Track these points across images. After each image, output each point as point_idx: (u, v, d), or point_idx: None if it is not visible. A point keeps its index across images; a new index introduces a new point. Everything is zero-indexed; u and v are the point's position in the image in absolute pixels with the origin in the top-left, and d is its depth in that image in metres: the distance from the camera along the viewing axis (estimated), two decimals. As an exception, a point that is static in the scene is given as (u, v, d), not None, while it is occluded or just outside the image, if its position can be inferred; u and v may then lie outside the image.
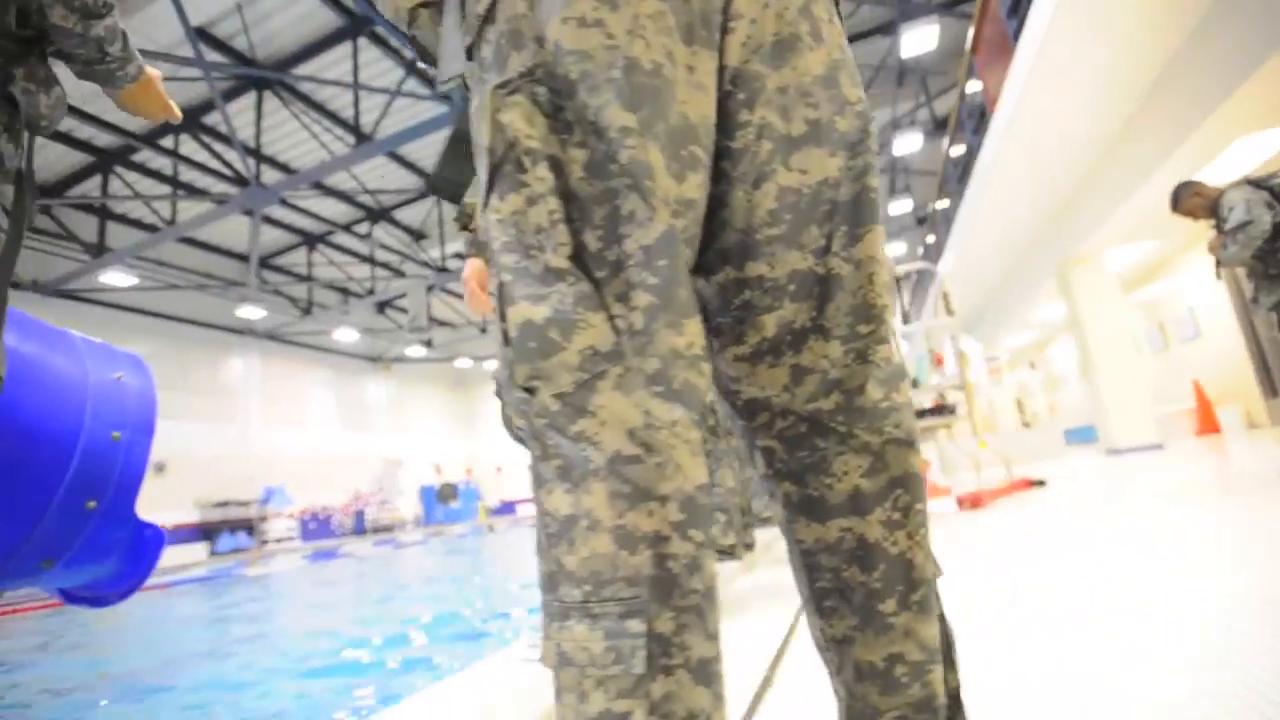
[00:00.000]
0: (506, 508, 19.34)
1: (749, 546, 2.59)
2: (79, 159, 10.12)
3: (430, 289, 17.01)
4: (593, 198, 0.51)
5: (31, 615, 6.05)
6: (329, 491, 15.87)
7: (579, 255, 0.51)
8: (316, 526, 14.71)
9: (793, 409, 0.61)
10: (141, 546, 1.52)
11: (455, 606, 3.95)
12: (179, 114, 1.20)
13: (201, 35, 7.98)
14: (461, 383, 21.94)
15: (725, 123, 0.58)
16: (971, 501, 4.15)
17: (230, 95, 9.28)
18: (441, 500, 17.54)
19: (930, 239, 12.08)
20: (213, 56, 8.31)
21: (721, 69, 0.57)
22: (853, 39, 8.93)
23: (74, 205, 10.73)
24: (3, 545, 1.27)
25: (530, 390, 0.51)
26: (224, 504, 13.40)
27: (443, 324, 18.35)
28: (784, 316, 0.60)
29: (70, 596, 1.62)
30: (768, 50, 0.58)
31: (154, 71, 1.12)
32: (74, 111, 8.64)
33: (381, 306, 17.17)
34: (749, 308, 0.61)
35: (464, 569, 6.74)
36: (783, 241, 0.59)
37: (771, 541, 3.27)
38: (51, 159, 9.91)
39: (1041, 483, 4.93)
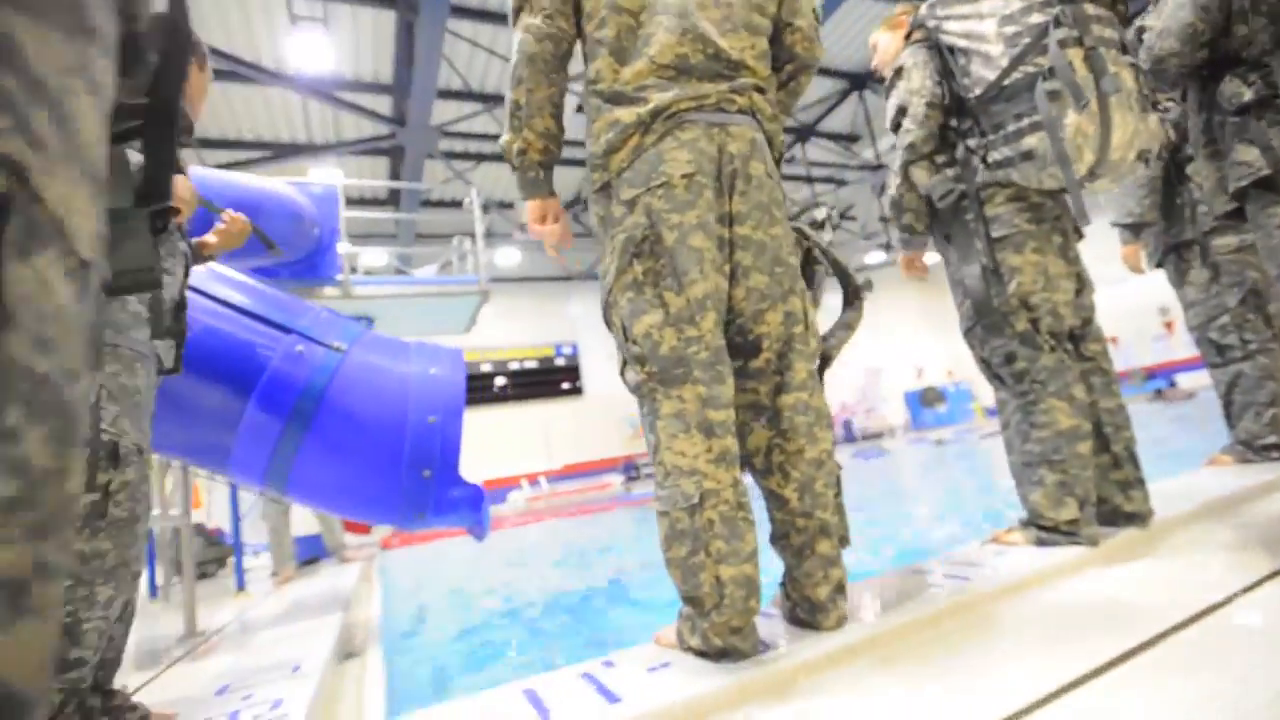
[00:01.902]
0: (1006, 406, 17.37)
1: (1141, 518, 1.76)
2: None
3: (882, 190, 16.31)
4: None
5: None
6: (817, 404, 16.96)
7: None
8: (811, 437, 15.96)
9: None
10: (475, 499, 1.99)
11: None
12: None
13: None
14: (936, 279, 20.38)
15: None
16: None
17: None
18: (925, 404, 16.88)
19: None
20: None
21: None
22: None
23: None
24: (389, 506, 1.85)
25: (640, 362, 1.33)
26: (733, 422, 15.73)
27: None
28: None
29: (473, 534, 2.22)
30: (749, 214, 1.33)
31: None
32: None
33: (840, 216, 17.20)
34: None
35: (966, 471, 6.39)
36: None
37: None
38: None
39: None
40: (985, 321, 1.72)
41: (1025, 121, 1.56)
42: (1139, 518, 1.73)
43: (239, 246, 1.71)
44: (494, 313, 15.07)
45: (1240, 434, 2.46)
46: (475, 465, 13.35)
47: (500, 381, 14.46)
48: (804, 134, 13.28)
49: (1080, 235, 1.81)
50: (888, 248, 17.33)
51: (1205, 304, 2.55)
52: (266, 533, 4.38)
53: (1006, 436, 1.75)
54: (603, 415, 15.03)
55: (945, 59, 1.72)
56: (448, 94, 9.81)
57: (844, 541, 1.30)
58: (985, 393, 18.34)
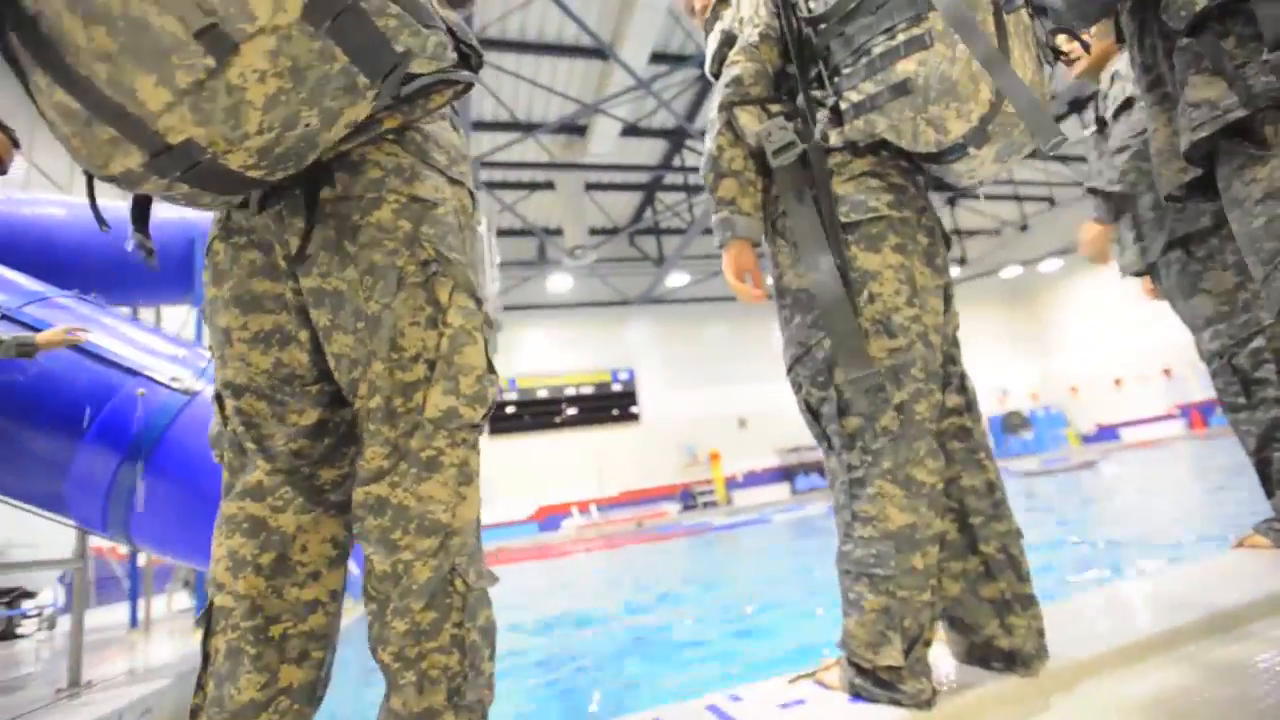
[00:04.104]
0: (1105, 433, 15.74)
1: None
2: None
3: (952, 201, 15.41)
4: None
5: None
6: (888, 430, 16.00)
7: None
8: (881, 465, 15.03)
9: None
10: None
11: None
12: None
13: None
14: (1016, 294, 18.98)
15: None
16: None
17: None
18: (1009, 430, 15.52)
19: None
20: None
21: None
22: None
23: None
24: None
25: None
26: (796, 449, 15.04)
27: (971, 234, 16.26)
28: None
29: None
30: None
31: None
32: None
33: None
34: None
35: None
36: None
37: None
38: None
39: None
40: (844, 348, 1.11)
41: (900, 38, 1.08)
42: (1019, 659, 1.14)
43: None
44: (549, 339, 15.35)
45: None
46: (527, 493, 13.45)
47: (555, 408, 14.46)
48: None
49: (948, 243, 1.27)
50: (962, 261, 16.25)
51: (1231, 321, 1.86)
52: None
53: (838, 524, 1.19)
54: (659, 442, 14.73)
55: None
56: (492, 125, 10.02)
57: None
58: (1080, 417, 16.74)
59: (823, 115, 1.20)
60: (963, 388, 1.26)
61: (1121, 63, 2.00)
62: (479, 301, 0.95)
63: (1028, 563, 1.19)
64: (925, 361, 1.13)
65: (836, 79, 1.17)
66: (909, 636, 1.08)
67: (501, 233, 12.83)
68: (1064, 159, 13.20)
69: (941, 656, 1.26)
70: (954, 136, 1.10)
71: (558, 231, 12.93)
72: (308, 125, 0.73)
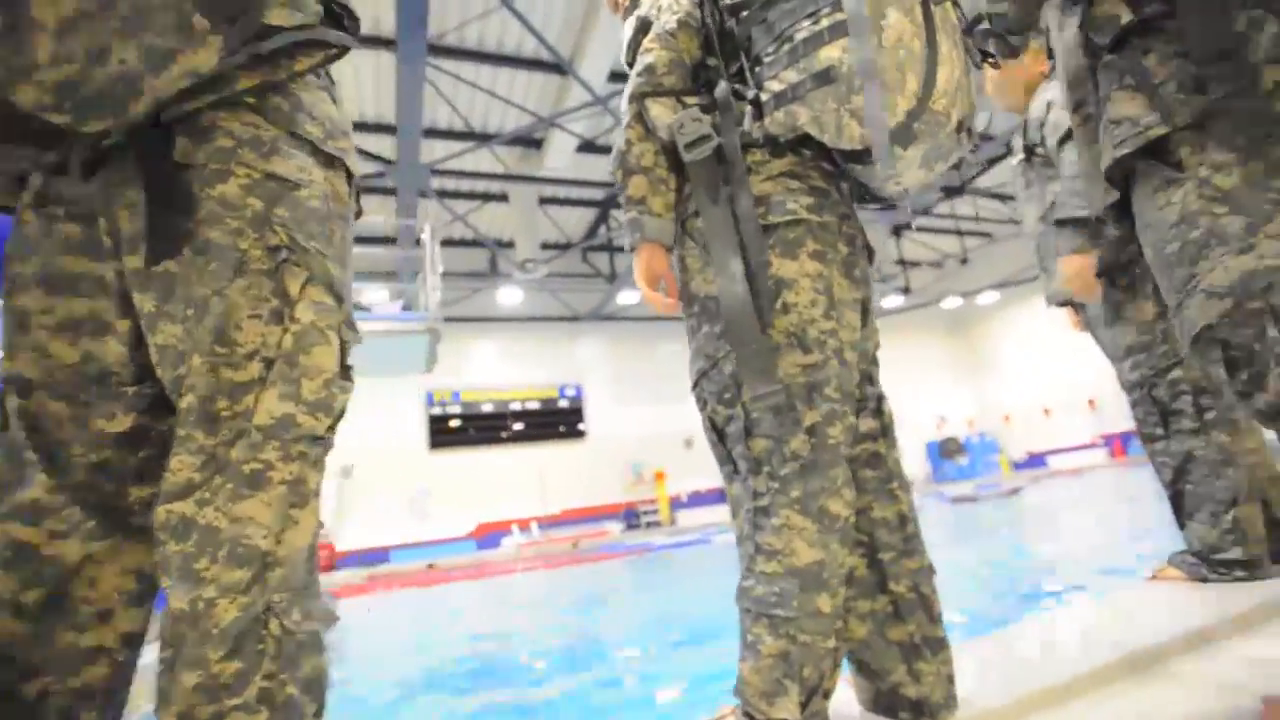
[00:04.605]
0: (1034, 460, 16.39)
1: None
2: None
3: (897, 231, 15.92)
4: None
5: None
6: (832, 453, 16.27)
7: None
8: (824, 487, 15.26)
9: None
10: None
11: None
12: None
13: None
14: (957, 324, 19.71)
15: None
16: None
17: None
18: (945, 456, 16.03)
19: None
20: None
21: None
22: None
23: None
24: None
25: None
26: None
27: (915, 265, 16.82)
28: None
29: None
30: None
31: None
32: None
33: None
34: None
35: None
36: None
37: None
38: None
39: None
40: (749, 363, 1.02)
41: (825, 23, 1.00)
42: (926, 710, 1.06)
43: None
44: (498, 352, 15.10)
45: (1193, 540, 1.79)
46: (467, 508, 13.12)
47: (501, 422, 14.19)
48: (813, 175, 13.00)
49: (871, 256, 1.21)
50: (906, 291, 16.78)
51: (1152, 351, 1.87)
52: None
53: (741, 556, 1.10)
54: (605, 460, 14.60)
55: None
56: (447, 134, 9.86)
57: None
58: (1013, 444, 17.41)
59: (744, 109, 1.11)
60: (879, 410, 1.19)
61: (1054, 90, 2.03)
62: (340, 299, 0.83)
63: (939, 603, 1.13)
64: (841, 380, 1.05)
65: (758, 69, 1.09)
66: (808, 687, 0.98)
67: (453, 243, 12.60)
68: (1003, 197, 13.81)
69: (848, 703, 1.18)
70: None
71: (510, 244, 12.78)
72: (124, 62, 0.61)
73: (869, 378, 1.19)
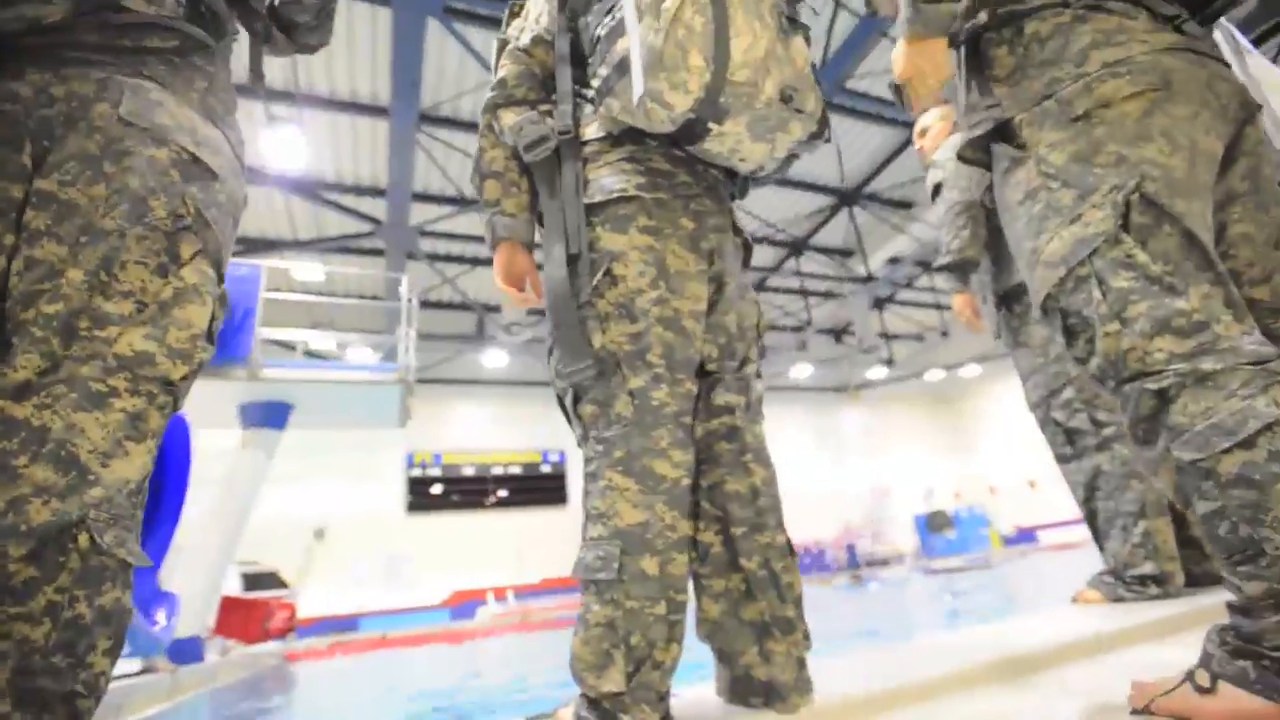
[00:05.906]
0: (1024, 536, 16.12)
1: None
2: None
3: (879, 304, 16.23)
4: None
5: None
6: (819, 525, 16.02)
7: None
8: (810, 561, 14.92)
9: None
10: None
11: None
12: None
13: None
14: (939, 397, 19.82)
15: None
16: None
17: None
18: (933, 529, 15.76)
19: None
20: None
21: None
22: None
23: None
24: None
25: None
26: (725, 540, 14.82)
27: (896, 337, 17.06)
28: None
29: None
30: None
31: None
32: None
33: (837, 335, 17.06)
34: None
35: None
36: None
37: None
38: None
39: None
40: (561, 334, 1.07)
41: (619, 15, 1.04)
42: (775, 692, 1.03)
43: None
44: (482, 415, 15.01)
45: (1109, 559, 1.79)
46: (442, 576, 12.69)
47: (481, 486, 13.96)
48: (798, 247, 13.38)
49: (745, 241, 1.26)
50: (889, 363, 16.96)
51: (1044, 371, 1.90)
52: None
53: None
54: (587, 527, 14.30)
55: None
56: (439, 199, 10.19)
57: None
58: (1000, 518, 17.16)
59: (585, 109, 1.20)
60: (745, 387, 1.19)
61: (939, 151, 2.17)
62: (220, 279, 0.89)
63: (799, 585, 1.11)
64: (668, 347, 1.07)
65: (589, 69, 1.16)
66: (635, 657, 0.94)
67: (441, 305, 12.78)
68: (978, 273, 14.20)
69: (710, 695, 1.15)
70: (681, 110, 1.02)
71: (496, 308, 12.96)
72: None
73: (732, 353, 1.19)
